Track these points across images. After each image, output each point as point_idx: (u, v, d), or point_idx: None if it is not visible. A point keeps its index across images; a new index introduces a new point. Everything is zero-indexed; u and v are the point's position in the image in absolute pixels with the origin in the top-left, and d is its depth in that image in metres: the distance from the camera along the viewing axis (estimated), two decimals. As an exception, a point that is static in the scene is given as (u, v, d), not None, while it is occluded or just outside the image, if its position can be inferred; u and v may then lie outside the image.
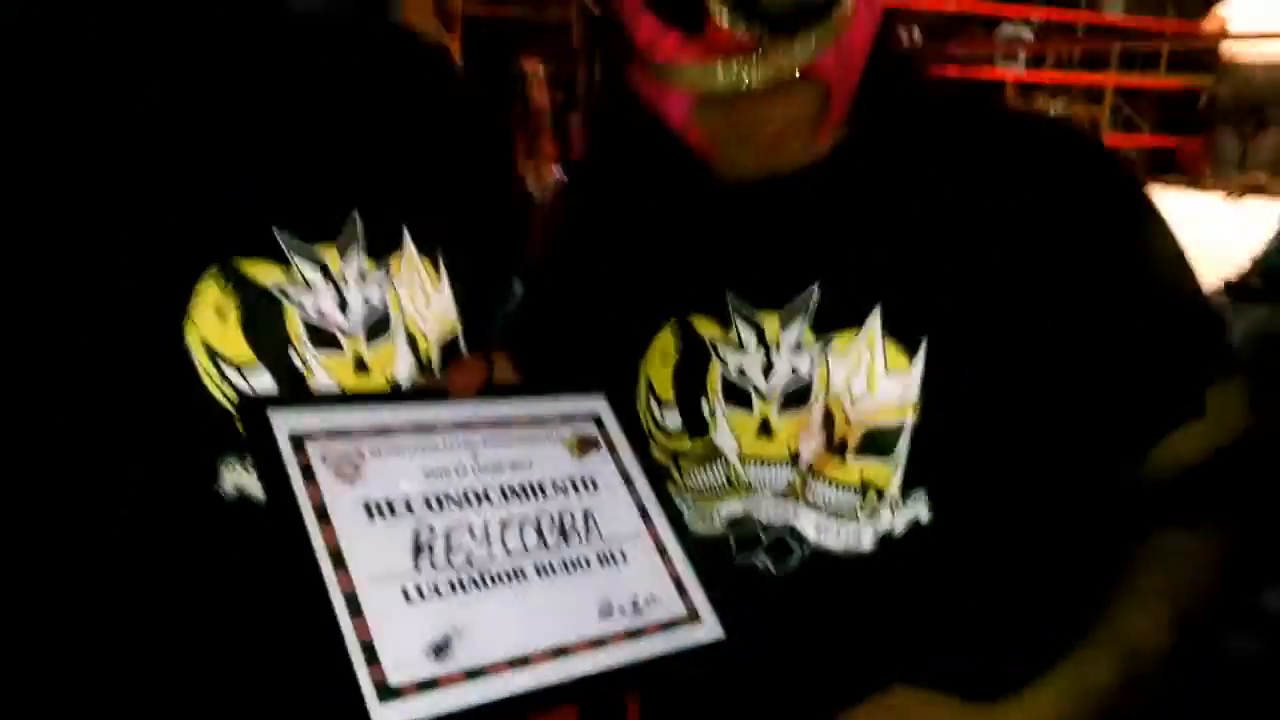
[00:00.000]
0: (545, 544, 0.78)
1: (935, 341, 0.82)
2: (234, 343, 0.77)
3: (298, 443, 0.70)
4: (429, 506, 0.74)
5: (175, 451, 0.75)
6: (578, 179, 1.07)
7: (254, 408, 0.71)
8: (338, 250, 0.82)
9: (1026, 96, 13.09)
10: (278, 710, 0.74)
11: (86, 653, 0.77)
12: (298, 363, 0.81)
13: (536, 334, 0.99)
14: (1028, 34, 12.92)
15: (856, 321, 0.84)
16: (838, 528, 0.84)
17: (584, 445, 0.86)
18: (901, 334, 0.83)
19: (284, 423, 0.71)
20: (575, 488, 0.83)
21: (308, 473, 0.70)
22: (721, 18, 0.76)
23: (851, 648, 0.84)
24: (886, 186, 0.86)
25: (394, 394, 0.84)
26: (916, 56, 0.82)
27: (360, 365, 0.84)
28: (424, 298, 0.88)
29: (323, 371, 0.82)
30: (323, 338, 0.82)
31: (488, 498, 0.78)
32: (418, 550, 0.72)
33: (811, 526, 0.85)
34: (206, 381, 0.76)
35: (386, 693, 0.63)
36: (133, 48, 0.78)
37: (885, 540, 0.84)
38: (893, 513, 0.84)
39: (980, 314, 0.82)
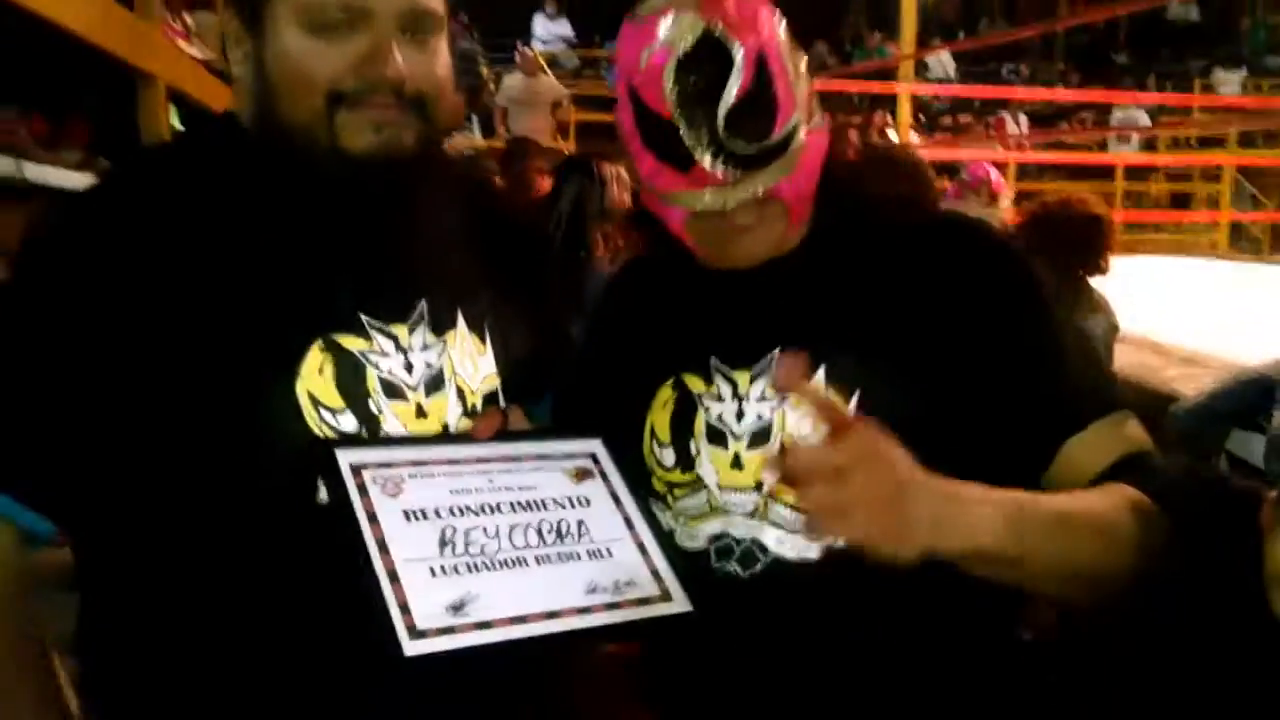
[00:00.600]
0: (544, 541, 0.99)
1: (865, 391, 1.04)
2: (329, 393, 1.02)
3: (356, 470, 0.95)
4: (453, 514, 0.97)
5: (286, 469, 0.98)
6: (611, 288, 1.32)
7: (325, 447, 0.97)
8: (407, 328, 1.08)
9: (1143, 179, 12.96)
10: (347, 643, 0.95)
11: (225, 610, 1.01)
12: (374, 409, 1.04)
13: (576, 392, 1.25)
14: (1143, 118, 12.85)
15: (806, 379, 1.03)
16: (792, 541, 1.05)
17: (581, 474, 1.07)
18: (840, 385, 1.05)
19: (345, 457, 0.95)
20: (572, 504, 1.04)
21: (362, 489, 0.94)
22: (704, 161, 0.99)
23: (804, 633, 1.05)
24: (829, 274, 1.10)
25: (430, 437, 1.06)
26: (858, 174, 1.03)
27: (420, 413, 1.07)
28: (472, 363, 1.12)
29: (392, 416, 1.05)
30: (393, 391, 1.05)
31: (499, 509, 1.00)
32: (443, 543, 0.94)
33: (773, 540, 1.06)
34: (309, 420, 1.01)
35: (415, 633, 0.86)
36: (266, 191, 1.05)
37: (829, 550, 1.04)
38: None
39: (900, 369, 1.04)
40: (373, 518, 0.92)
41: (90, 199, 1.07)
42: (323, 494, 0.96)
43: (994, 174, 3.98)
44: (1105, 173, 11.79)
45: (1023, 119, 13.15)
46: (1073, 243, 3.10)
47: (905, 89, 9.11)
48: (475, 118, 11.53)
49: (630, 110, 1.03)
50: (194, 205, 1.02)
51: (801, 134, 1.03)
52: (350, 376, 1.02)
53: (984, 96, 13.93)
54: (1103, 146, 12.53)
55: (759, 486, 1.07)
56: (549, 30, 14.11)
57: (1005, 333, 1.05)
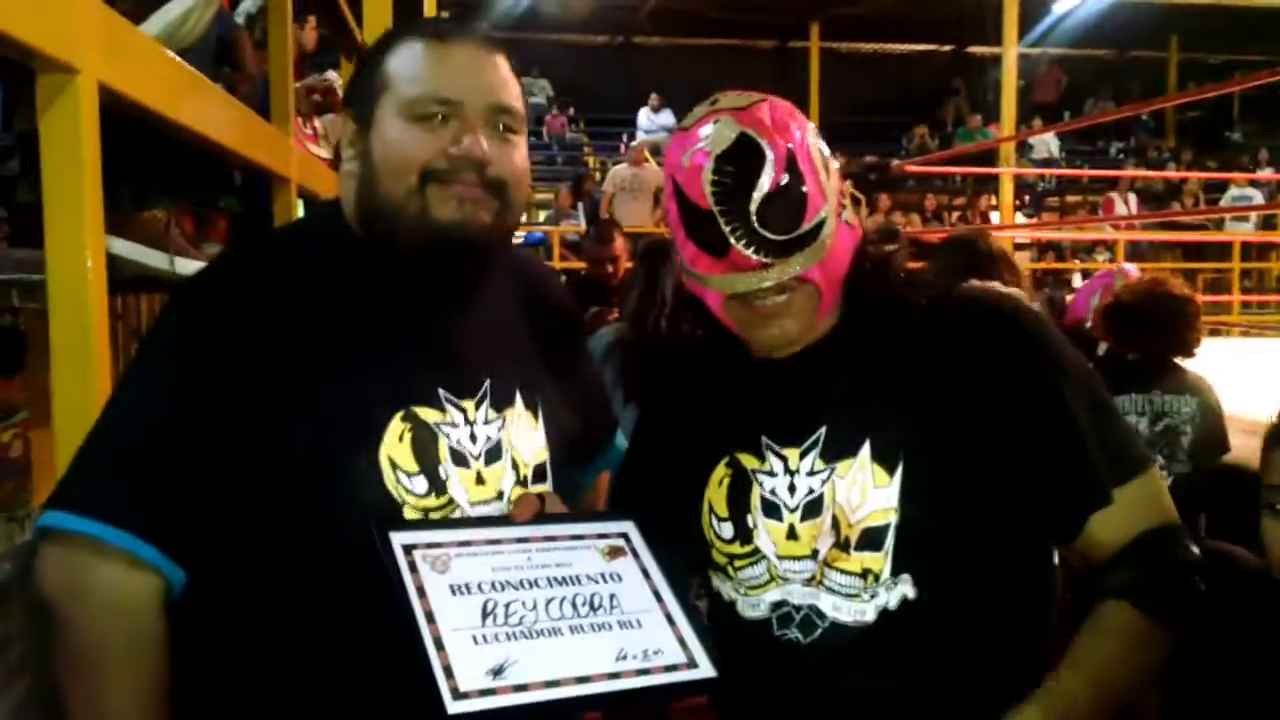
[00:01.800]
0: (578, 613, 1.09)
1: (908, 464, 1.13)
2: (406, 458, 1.13)
3: (408, 549, 1.06)
4: (495, 588, 1.07)
5: (363, 522, 1.07)
6: (667, 368, 1.44)
7: (381, 529, 1.07)
8: (474, 403, 1.19)
9: (1264, 258, 12.52)
10: (404, 700, 1.03)
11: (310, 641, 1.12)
12: (442, 475, 1.15)
13: (636, 472, 1.36)
14: (1258, 195, 12.47)
15: (853, 453, 1.15)
16: (848, 605, 1.13)
17: (614, 552, 1.17)
18: (883, 460, 1.14)
19: (399, 539, 1.06)
20: (605, 579, 1.14)
21: (413, 567, 1.05)
22: (739, 247, 1.11)
23: (862, 695, 1.12)
24: (865, 355, 1.19)
25: (474, 520, 1.16)
26: (890, 259, 1.12)
27: (479, 480, 1.18)
28: (528, 437, 1.24)
29: (456, 481, 1.16)
30: (459, 459, 1.17)
31: (537, 584, 1.10)
32: (485, 614, 1.04)
33: (829, 606, 1.14)
34: (388, 482, 1.12)
35: (458, 694, 0.96)
36: (362, 273, 1.18)
37: (884, 613, 1.12)
38: (887, 592, 1.13)
39: (940, 442, 1.13)
40: (421, 591, 1.03)
41: (223, 286, 1.20)
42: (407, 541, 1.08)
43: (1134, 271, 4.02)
44: (1221, 251, 11.46)
45: (1132, 198, 12.90)
46: (1157, 325, 3.10)
47: (1007, 171, 9.07)
48: (581, 205, 11.84)
49: (675, 204, 1.16)
50: (302, 288, 1.16)
51: (831, 225, 1.14)
52: (425, 445, 1.14)
53: (1088, 176, 13.74)
54: (1220, 225, 12.19)
55: (815, 554, 1.15)
56: (653, 121, 14.47)
57: (1020, 409, 1.14)
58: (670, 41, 16.35)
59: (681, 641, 1.10)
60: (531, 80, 15.69)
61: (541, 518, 1.16)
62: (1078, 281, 10.41)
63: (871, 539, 1.13)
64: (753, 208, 1.10)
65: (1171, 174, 13.54)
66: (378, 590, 1.03)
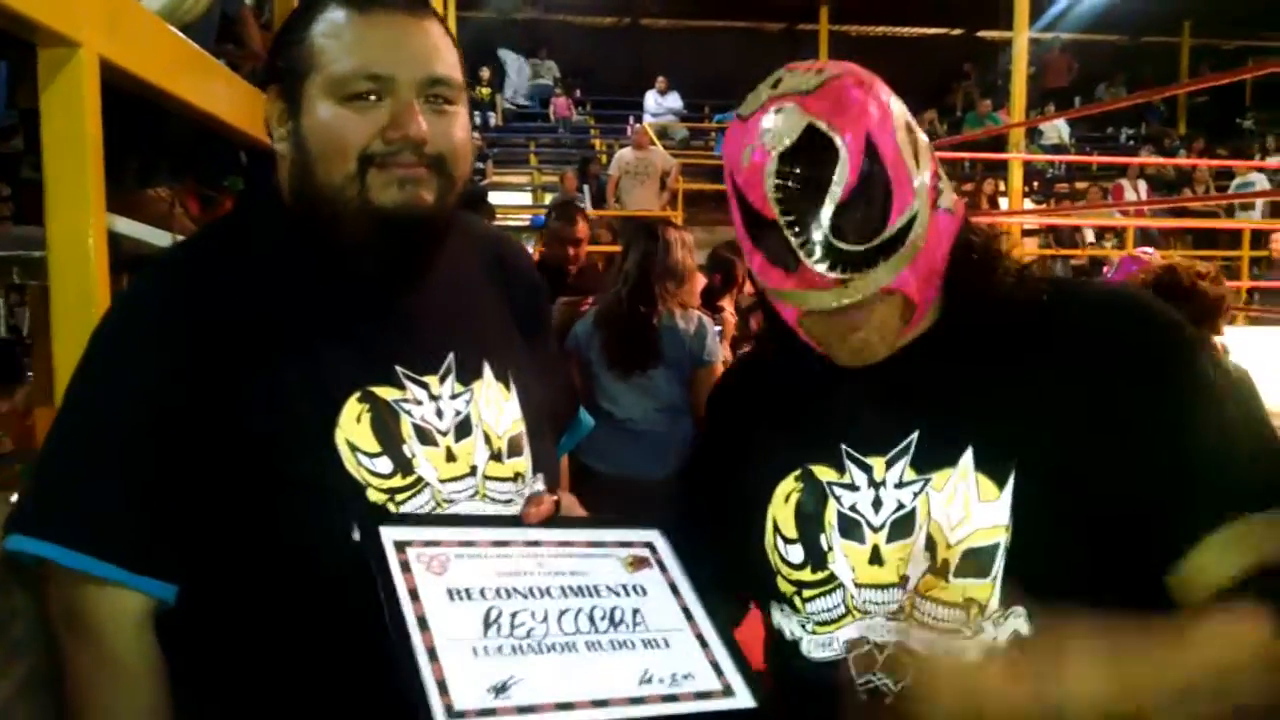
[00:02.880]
0: (596, 628, 0.96)
1: (1021, 474, 0.96)
2: (366, 439, 1.09)
3: (400, 547, 0.95)
4: (499, 595, 0.95)
5: (325, 508, 1.04)
6: (726, 381, 1.29)
7: (366, 522, 0.96)
8: (438, 378, 1.15)
9: (1264, 245, 12.43)
10: (381, 713, 0.96)
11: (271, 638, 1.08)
12: (407, 454, 1.10)
13: (694, 490, 1.23)
14: (1262, 182, 12.38)
15: (951, 462, 0.98)
16: (946, 644, 0.94)
17: (637, 563, 1.06)
18: (991, 470, 0.97)
19: (390, 534, 0.96)
20: (627, 592, 1.01)
21: (405, 566, 0.93)
22: (810, 263, 0.95)
23: None
24: (965, 353, 1.02)
25: (480, 518, 1.07)
26: (1000, 249, 0.96)
27: (450, 456, 1.13)
28: (498, 409, 1.19)
29: (424, 460, 1.11)
30: (425, 436, 1.12)
31: (549, 593, 0.97)
32: (487, 624, 0.92)
33: (923, 645, 0.94)
34: (348, 465, 1.08)
35: (452, 713, 0.83)
36: (305, 256, 1.14)
37: (991, 649, 0.92)
38: (995, 627, 0.95)
39: (1060, 449, 0.96)
40: (414, 595, 0.91)
41: (161, 286, 1.17)
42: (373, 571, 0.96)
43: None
44: (1231, 239, 11.40)
45: (1142, 185, 12.83)
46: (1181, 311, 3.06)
47: (1017, 157, 9.02)
48: (587, 188, 11.82)
49: (737, 208, 1.00)
50: (245, 277, 1.13)
51: (923, 220, 0.96)
52: (385, 424, 1.10)
53: (1097, 163, 13.67)
54: (1230, 212, 12.12)
55: (904, 582, 0.98)
56: (660, 104, 14.44)
57: (1149, 416, 0.96)
58: (678, 23, 16.28)
59: (715, 666, 0.97)
60: (539, 62, 15.64)
61: (556, 521, 1.07)
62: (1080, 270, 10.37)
63: (976, 563, 0.95)
64: (825, 216, 0.93)
65: (1181, 161, 13.45)
66: (355, 586, 0.94)
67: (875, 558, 1.00)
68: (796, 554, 1.04)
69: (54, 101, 1.24)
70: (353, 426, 1.09)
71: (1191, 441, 0.95)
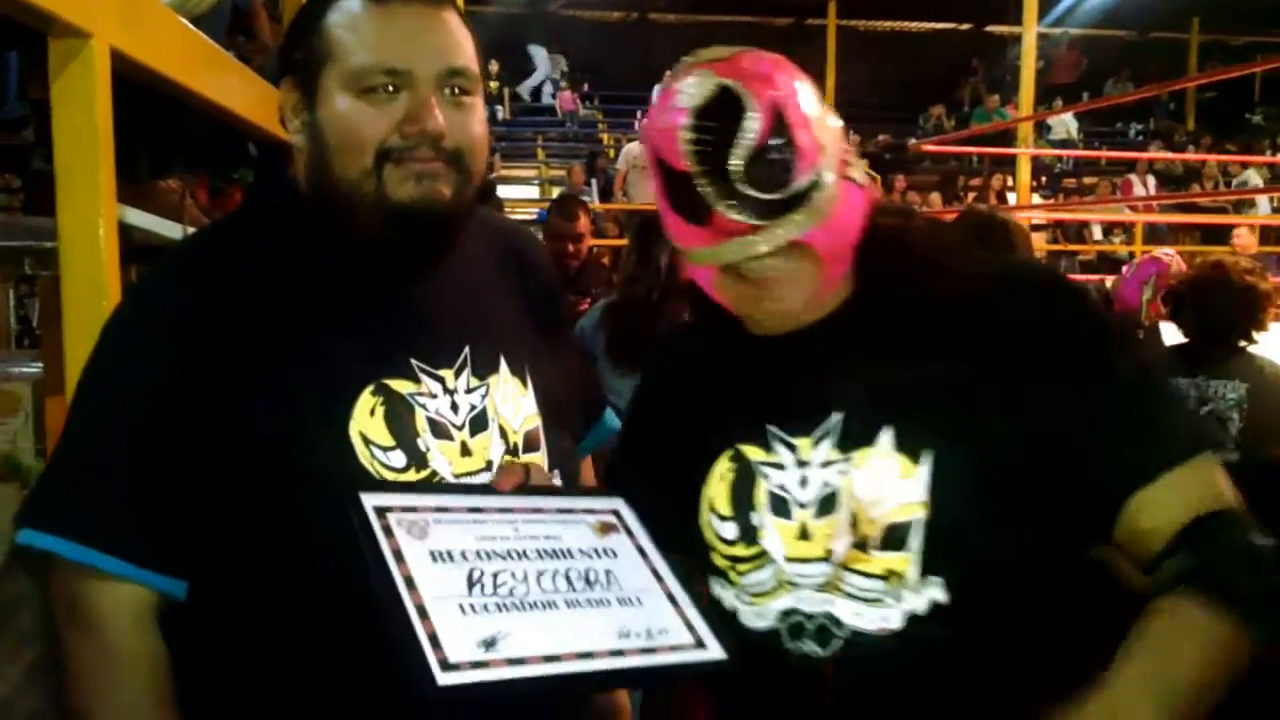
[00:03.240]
0: (573, 588, 1.00)
1: (937, 452, 1.01)
2: (380, 432, 1.09)
3: (380, 512, 0.97)
4: (480, 557, 0.98)
5: (337, 501, 1.00)
6: (654, 360, 1.34)
7: (352, 490, 0.98)
8: (453, 372, 1.14)
9: (1266, 242, 12.40)
10: (387, 679, 0.95)
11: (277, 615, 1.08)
12: (422, 447, 1.10)
13: (626, 465, 1.27)
14: (1256, 179, 12.34)
15: (870, 441, 1.03)
16: (870, 612, 1.02)
17: (605, 529, 1.09)
18: (908, 448, 1.02)
19: (370, 500, 0.98)
20: (598, 554, 1.05)
21: (388, 531, 0.96)
22: (720, 209, 0.99)
23: (893, 710, 1.01)
24: (883, 331, 1.07)
25: (453, 486, 1.09)
26: (909, 226, 1.01)
27: (465, 451, 1.13)
28: (514, 404, 1.18)
29: (439, 454, 1.11)
30: (439, 430, 1.12)
31: (526, 555, 1.01)
32: (471, 583, 0.95)
33: (848, 613, 1.03)
34: (362, 458, 1.07)
35: (447, 666, 0.87)
36: (321, 248, 1.14)
37: (912, 618, 1.01)
38: (915, 595, 1.01)
39: (974, 426, 1.02)
40: (399, 556, 0.94)
41: (175, 279, 1.16)
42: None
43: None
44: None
45: (1150, 180, 12.80)
46: (1212, 308, 3.05)
47: (1025, 151, 8.99)
48: (594, 182, 11.81)
49: (656, 174, 1.04)
50: (260, 269, 1.12)
51: (831, 184, 1.00)
52: (400, 417, 1.09)
53: (1106, 158, 13.63)
54: (1237, 208, 12.08)
55: (829, 556, 1.04)
56: (667, 98, 14.42)
57: (1066, 380, 1.03)
58: (686, 18, 16.24)
59: (687, 622, 1.02)
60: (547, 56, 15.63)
61: (526, 489, 1.09)
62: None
63: (896, 537, 1.01)
64: (735, 164, 0.98)
65: (1188, 156, 13.41)
66: (361, 570, 0.97)
67: (803, 534, 1.05)
68: (730, 531, 1.09)
69: (65, 92, 1.24)
70: (366, 419, 1.08)
71: (1110, 406, 1.02)
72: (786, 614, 1.06)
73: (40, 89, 1.98)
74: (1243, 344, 3.05)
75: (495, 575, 0.96)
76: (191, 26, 1.69)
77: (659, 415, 1.23)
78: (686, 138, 0.99)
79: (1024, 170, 8.80)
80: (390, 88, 1.07)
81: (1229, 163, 12.90)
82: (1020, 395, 1.02)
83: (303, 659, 1.08)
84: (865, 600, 1.02)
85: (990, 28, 16.63)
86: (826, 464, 1.05)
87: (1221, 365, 3.02)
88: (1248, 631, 0.93)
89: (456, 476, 1.11)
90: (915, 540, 1.01)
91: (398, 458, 1.08)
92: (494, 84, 13.99)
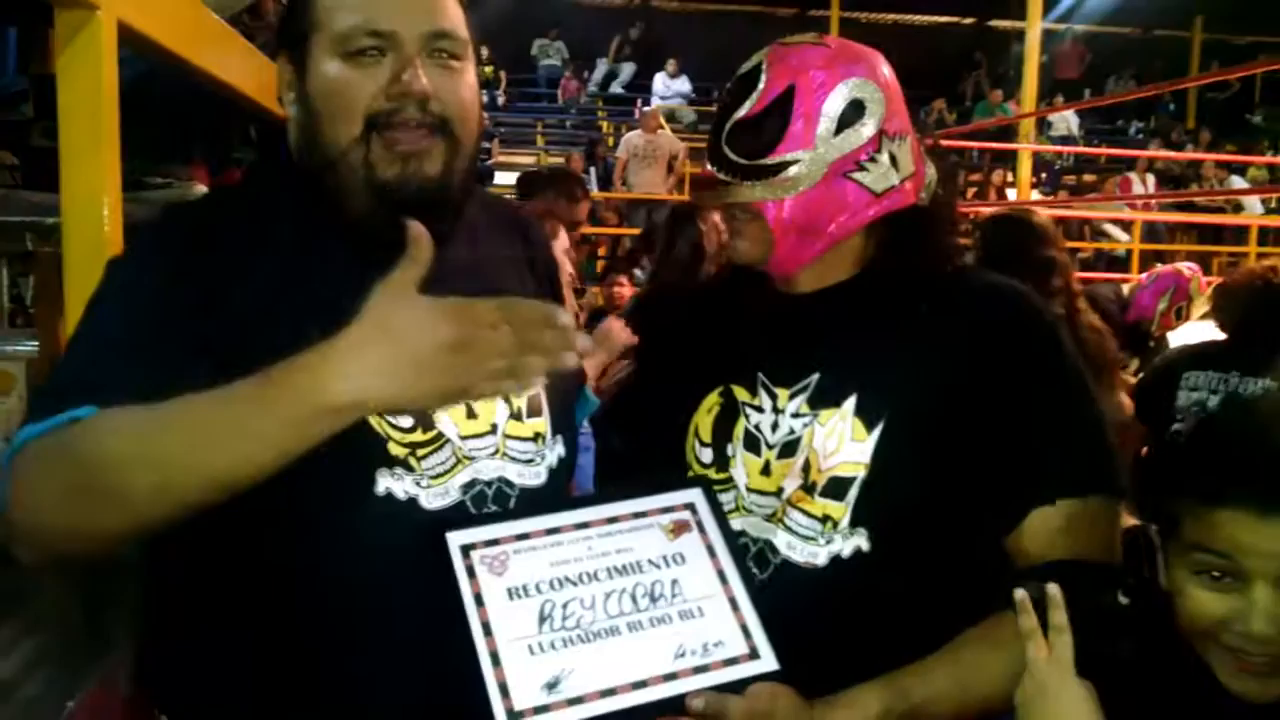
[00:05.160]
0: (638, 607, 1.04)
1: (888, 424, 1.15)
2: None
3: (465, 550, 1.02)
4: (553, 587, 1.03)
5: (350, 462, 1.02)
6: (655, 300, 1.46)
7: (436, 531, 1.02)
8: None
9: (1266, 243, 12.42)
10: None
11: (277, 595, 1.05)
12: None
13: (631, 400, 1.42)
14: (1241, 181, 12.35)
15: (836, 404, 1.17)
16: (801, 547, 1.16)
17: (678, 528, 1.12)
18: (866, 416, 1.16)
19: (456, 539, 1.02)
20: (667, 562, 1.09)
21: (470, 571, 1.01)
22: (708, 160, 1.20)
23: (811, 635, 1.09)
24: (871, 311, 1.21)
25: (532, 506, 1.11)
26: (924, 241, 1.20)
27: (471, 413, 1.13)
28: None
29: (445, 415, 1.10)
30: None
31: (596, 577, 1.05)
32: (542, 619, 1.00)
33: (783, 544, 1.17)
34: (370, 417, 1.02)
35: (513, 715, 0.93)
36: (311, 222, 1.11)
37: (835, 559, 1.14)
38: (843, 540, 1.15)
39: (924, 409, 1.15)
40: (479, 600, 0.99)
41: (185, 221, 1.15)
42: (391, 482, 1.04)
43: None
44: (1238, 235, 11.37)
45: (1150, 179, 12.79)
46: (1256, 311, 3.07)
47: (1026, 147, 8.98)
48: (594, 170, 11.77)
49: None
50: (254, 230, 1.10)
51: (809, 170, 1.15)
52: None
53: (1106, 155, 13.62)
54: (1238, 208, 12.09)
55: (779, 493, 1.18)
56: (669, 87, 14.37)
57: (1004, 394, 1.15)
58: (688, 6, 16.20)
59: (745, 629, 1.06)
60: (547, 43, 15.56)
61: (603, 495, 1.14)
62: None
63: (837, 488, 1.15)
64: (726, 127, 1.17)
65: (1188, 155, 13.40)
66: (371, 541, 0.99)
67: (765, 470, 1.20)
68: (707, 456, 1.24)
69: (71, 65, 1.22)
70: None
71: (1040, 427, 1.15)
72: (738, 534, 1.18)
73: (40, 64, 1.96)
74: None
75: (565, 605, 1.02)
76: (198, 1, 1.67)
77: (664, 357, 1.38)
78: (724, 96, 1.20)
79: (1025, 166, 8.80)
80: (375, 51, 1.06)
81: (1229, 162, 12.89)
82: (969, 393, 1.15)
83: (303, 612, 1.05)
84: (801, 536, 1.16)
85: (993, 22, 16.60)
86: (796, 415, 1.19)
87: (1259, 364, 3.04)
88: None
89: (463, 438, 1.11)
90: (851, 493, 1.15)
91: (404, 418, 1.08)
92: (488, 69, 13.95)
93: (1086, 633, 1.00)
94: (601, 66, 15.71)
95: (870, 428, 1.15)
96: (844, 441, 1.16)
